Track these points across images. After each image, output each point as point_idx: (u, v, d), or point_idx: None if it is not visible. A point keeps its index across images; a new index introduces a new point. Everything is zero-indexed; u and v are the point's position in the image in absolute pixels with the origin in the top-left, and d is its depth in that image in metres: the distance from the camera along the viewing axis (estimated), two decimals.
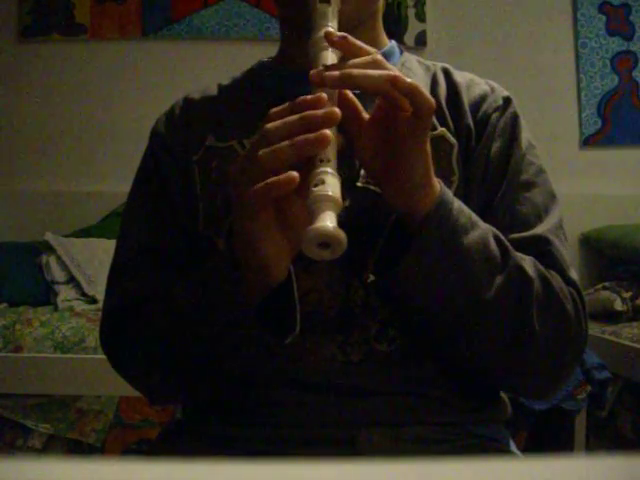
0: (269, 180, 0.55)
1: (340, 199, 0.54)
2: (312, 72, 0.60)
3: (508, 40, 2.78)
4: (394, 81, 0.58)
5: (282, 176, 0.54)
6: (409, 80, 0.58)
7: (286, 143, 0.56)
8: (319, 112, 0.56)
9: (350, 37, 0.62)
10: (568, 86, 2.81)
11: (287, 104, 0.59)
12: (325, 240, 0.52)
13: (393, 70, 0.60)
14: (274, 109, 0.59)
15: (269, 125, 0.58)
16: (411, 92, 0.58)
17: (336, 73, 0.58)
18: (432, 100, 0.59)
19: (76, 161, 2.70)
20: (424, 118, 0.59)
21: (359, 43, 0.62)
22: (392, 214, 0.67)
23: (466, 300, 0.65)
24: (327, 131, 0.55)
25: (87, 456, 1.81)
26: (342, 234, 0.52)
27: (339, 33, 0.62)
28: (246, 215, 0.59)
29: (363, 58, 0.60)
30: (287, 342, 0.65)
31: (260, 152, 0.56)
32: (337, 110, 0.56)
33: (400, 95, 0.59)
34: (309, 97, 0.58)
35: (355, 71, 0.59)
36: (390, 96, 0.60)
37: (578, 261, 2.68)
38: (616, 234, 2.56)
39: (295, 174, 0.54)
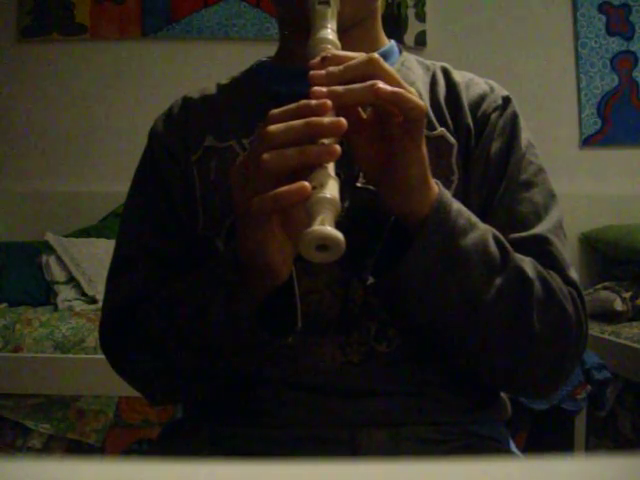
0: (279, 190, 0.53)
1: (339, 202, 0.53)
2: (311, 73, 0.60)
3: (508, 40, 2.78)
4: (377, 92, 0.57)
5: (293, 187, 0.52)
6: (390, 89, 0.57)
7: (294, 150, 0.54)
8: (325, 121, 0.55)
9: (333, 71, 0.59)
10: (568, 86, 2.81)
11: (289, 107, 0.57)
12: (323, 242, 0.51)
13: (389, 70, 0.59)
14: (275, 110, 0.57)
15: (272, 128, 0.56)
16: (396, 100, 0.57)
17: (324, 90, 0.57)
18: (420, 103, 0.58)
19: (76, 161, 2.70)
20: (415, 122, 0.59)
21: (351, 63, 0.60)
22: (391, 215, 0.67)
23: (465, 302, 0.65)
24: (337, 146, 0.54)
25: (87, 456, 1.81)
26: (340, 236, 0.51)
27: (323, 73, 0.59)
28: (252, 222, 0.57)
29: (358, 60, 0.60)
30: (287, 342, 0.65)
31: (264, 155, 0.54)
32: (343, 120, 0.55)
33: (387, 103, 0.58)
34: (313, 102, 0.56)
35: (340, 89, 0.57)
36: (378, 105, 0.59)
37: (578, 261, 2.68)
38: (616, 234, 2.57)
39: (307, 185, 0.52)
